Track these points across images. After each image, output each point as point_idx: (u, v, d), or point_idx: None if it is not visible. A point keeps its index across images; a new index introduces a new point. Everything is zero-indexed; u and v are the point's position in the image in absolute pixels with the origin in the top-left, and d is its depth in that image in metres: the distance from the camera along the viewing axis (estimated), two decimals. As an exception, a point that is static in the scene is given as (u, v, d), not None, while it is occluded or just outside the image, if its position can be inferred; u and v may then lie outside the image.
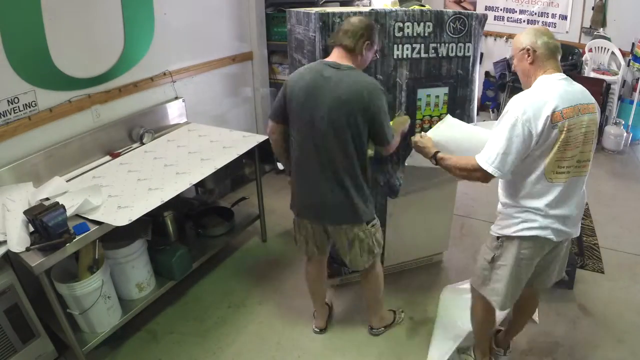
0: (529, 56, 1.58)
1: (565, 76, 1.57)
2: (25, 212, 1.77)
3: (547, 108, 1.47)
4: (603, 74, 4.63)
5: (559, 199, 1.59)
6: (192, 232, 2.74)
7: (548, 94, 1.51)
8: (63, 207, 1.74)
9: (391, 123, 1.91)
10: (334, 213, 1.87)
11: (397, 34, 2.13)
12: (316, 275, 2.19)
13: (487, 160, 1.53)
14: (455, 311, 2.29)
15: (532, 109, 1.48)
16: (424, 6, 2.44)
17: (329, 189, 1.81)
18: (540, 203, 1.59)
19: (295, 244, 2.15)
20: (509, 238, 1.66)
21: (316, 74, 1.74)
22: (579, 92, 1.56)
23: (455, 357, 2.10)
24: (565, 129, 1.49)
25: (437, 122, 2.36)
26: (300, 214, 2.03)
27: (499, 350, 2.11)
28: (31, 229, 1.78)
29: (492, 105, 5.45)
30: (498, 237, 1.70)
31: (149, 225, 2.25)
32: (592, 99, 1.58)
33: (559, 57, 1.61)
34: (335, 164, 1.77)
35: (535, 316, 2.29)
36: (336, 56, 1.77)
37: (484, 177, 1.57)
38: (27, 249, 1.66)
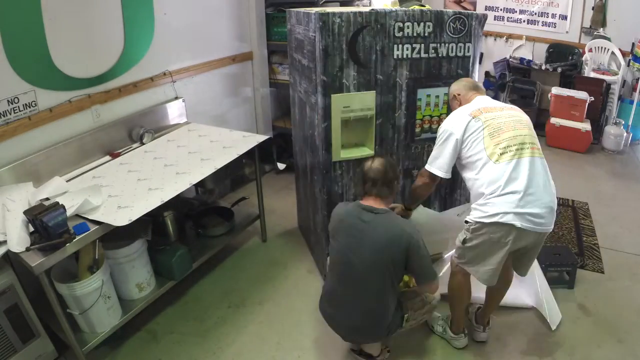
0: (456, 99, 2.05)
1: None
2: (25, 212, 1.77)
3: (466, 113, 1.89)
4: (603, 74, 4.63)
5: (512, 177, 1.74)
6: (192, 232, 2.74)
7: (465, 107, 1.95)
8: (63, 207, 1.74)
9: None
10: (363, 335, 1.99)
11: (397, 34, 2.13)
12: None
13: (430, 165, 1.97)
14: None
15: (453, 120, 1.91)
16: (424, 6, 2.45)
17: (359, 316, 1.89)
18: (495, 186, 1.76)
19: None
20: (477, 223, 1.84)
21: (356, 218, 1.86)
22: (493, 101, 1.97)
23: None
24: (485, 118, 1.84)
25: (437, 122, 2.38)
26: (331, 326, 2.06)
27: (477, 327, 2.19)
28: (31, 229, 1.78)
29: (492, 105, 5.44)
30: (466, 221, 1.90)
31: (149, 225, 2.25)
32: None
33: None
34: (369, 297, 1.87)
35: (554, 321, 2.29)
36: (372, 201, 1.88)
37: (430, 178, 1.99)
38: (27, 249, 1.66)
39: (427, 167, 1.98)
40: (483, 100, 1.96)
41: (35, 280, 1.72)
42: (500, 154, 1.77)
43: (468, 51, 2.28)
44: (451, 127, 1.89)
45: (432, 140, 2.38)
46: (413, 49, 2.18)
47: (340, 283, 1.94)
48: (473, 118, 1.85)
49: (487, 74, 5.52)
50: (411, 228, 1.83)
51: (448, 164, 1.91)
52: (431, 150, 2.39)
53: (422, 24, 2.15)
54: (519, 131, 1.82)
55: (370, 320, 1.88)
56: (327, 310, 2.02)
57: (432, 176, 1.97)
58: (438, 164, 1.93)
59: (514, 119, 1.85)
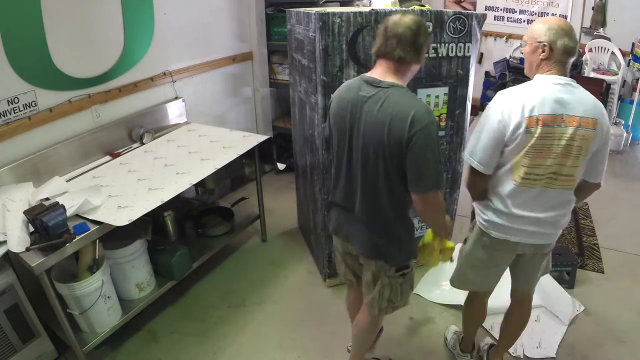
0: (543, 52, 1.48)
1: (565, 81, 1.47)
2: (25, 212, 1.77)
3: (525, 110, 1.44)
4: (603, 74, 4.63)
5: (526, 202, 1.56)
6: (192, 232, 2.74)
7: (532, 95, 1.46)
8: (63, 207, 1.74)
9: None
10: (362, 243, 1.64)
11: (397, 34, 2.13)
12: (356, 304, 1.93)
13: (470, 155, 1.58)
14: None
15: (510, 106, 1.46)
16: (424, 6, 2.44)
17: (364, 215, 1.60)
18: (504, 203, 1.59)
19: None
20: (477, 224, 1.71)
21: (354, 94, 1.50)
22: (574, 102, 1.45)
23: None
24: (537, 135, 1.44)
25: (437, 122, 2.36)
26: (335, 230, 1.77)
27: None
28: (31, 229, 1.78)
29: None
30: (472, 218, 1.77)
31: (149, 225, 2.25)
32: (597, 114, 1.46)
33: (572, 60, 1.51)
34: (371, 196, 1.56)
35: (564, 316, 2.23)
36: (381, 70, 1.48)
37: (476, 176, 1.59)
38: (27, 249, 1.66)
39: (468, 159, 1.59)
40: (552, 91, 1.45)
41: (35, 280, 1.72)
42: (524, 179, 1.52)
43: (468, 51, 2.28)
44: (506, 113, 1.46)
45: (432, 140, 2.39)
46: (413, 49, 2.18)
47: (344, 183, 1.63)
48: (526, 127, 1.44)
49: (487, 74, 5.52)
50: (423, 110, 1.40)
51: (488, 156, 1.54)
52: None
53: (422, 24, 2.15)
54: (566, 160, 1.49)
55: (371, 229, 1.59)
56: (336, 221, 1.72)
57: (476, 172, 1.59)
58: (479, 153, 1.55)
59: (569, 143, 1.46)
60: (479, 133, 1.54)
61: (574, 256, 2.66)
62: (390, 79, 1.46)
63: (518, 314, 1.91)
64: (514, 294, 1.89)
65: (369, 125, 1.46)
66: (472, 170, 1.59)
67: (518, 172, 1.52)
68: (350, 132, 1.53)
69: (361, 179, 1.55)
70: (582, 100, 1.46)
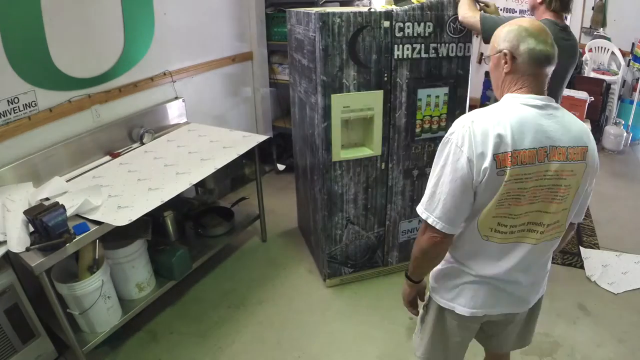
0: (505, 63, 1.16)
1: (543, 101, 1.13)
2: (25, 212, 1.77)
3: (494, 144, 1.08)
4: (603, 74, 4.63)
5: (495, 260, 1.23)
6: (192, 232, 2.74)
7: (503, 123, 1.10)
8: (63, 207, 1.74)
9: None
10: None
11: (397, 34, 2.13)
12: None
13: (426, 209, 1.19)
14: None
15: (477, 138, 1.10)
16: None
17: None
18: (471, 263, 1.26)
19: None
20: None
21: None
22: (558, 129, 1.13)
23: None
24: (512, 178, 1.09)
25: (437, 122, 2.37)
26: None
27: None
28: (31, 229, 1.78)
29: (492, 105, 5.45)
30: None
31: (149, 225, 2.25)
32: (585, 140, 1.15)
33: (548, 70, 1.15)
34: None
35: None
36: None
37: (436, 237, 1.19)
38: (27, 249, 1.66)
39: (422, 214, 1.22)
40: (528, 115, 1.12)
41: (35, 280, 1.72)
42: (494, 231, 1.19)
43: (468, 51, 2.28)
44: (472, 148, 1.11)
45: (432, 140, 2.40)
46: (413, 49, 2.18)
47: None
48: (497, 167, 1.09)
49: (487, 73, 5.52)
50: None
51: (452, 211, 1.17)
52: (431, 151, 2.40)
53: (422, 24, 2.15)
54: (550, 205, 1.17)
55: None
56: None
57: (434, 233, 1.20)
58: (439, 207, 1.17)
59: (557, 183, 1.15)
60: (438, 178, 1.16)
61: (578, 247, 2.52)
62: None
63: None
64: (496, 352, 1.61)
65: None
66: (430, 229, 1.18)
67: (488, 224, 1.18)
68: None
69: None
70: (567, 125, 1.15)
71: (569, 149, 1.13)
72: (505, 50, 1.15)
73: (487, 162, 1.09)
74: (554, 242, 1.26)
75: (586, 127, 1.20)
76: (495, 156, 1.08)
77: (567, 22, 2.09)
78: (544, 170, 1.12)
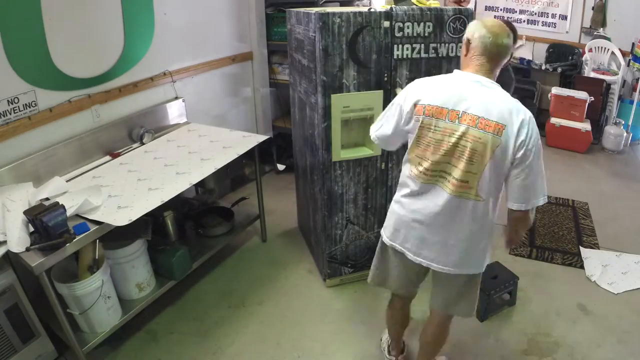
0: (466, 49, 1.46)
1: (476, 79, 1.39)
2: (25, 212, 1.77)
3: (419, 97, 1.44)
4: (603, 74, 4.63)
5: (415, 196, 1.52)
6: (192, 232, 2.74)
7: (432, 86, 1.45)
8: (63, 207, 1.74)
9: None
10: None
11: (397, 34, 2.13)
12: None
13: (372, 128, 1.67)
14: None
15: (412, 91, 1.47)
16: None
17: None
18: (400, 192, 1.59)
19: None
20: None
21: None
22: (477, 100, 1.35)
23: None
24: (424, 126, 1.42)
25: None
26: None
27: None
28: (31, 229, 1.78)
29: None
30: None
31: (149, 225, 2.25)
32: (507, 120, 1.32)
33: (499, 61, 1.41)
34: None
35: None
36: None
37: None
38: (27, 249, 1.66)
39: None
40: (458, 84, 1.42)
41: (35, 280, 1.72)
42: (417, 169, 1.49)
43: (468, 51, 2.28)
44: (405, 96, 1.50)
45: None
46: (413, 49, 2.18)
47: None
48: (415, 113, 1.45)
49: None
50: None
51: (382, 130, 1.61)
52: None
53: (422, 24, 2.15)
54: (458, 162, 1.40)
55: None
56: None
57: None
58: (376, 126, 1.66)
59: (461, 143, 1.38)
60: (385, 112, 1.60)
61: (512, 274, 2.44)
62: None
63: (430, 332, 1.82)
64: (430, 308, 1.79)
65: None
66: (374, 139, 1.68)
67: (413, 161, 1.50)
68: None
69: None
70: (491, 101, 1.36)
71: (480, 118, 1.34)
72: (465, 38, 1.44)
73: (408, 108, 1.46)
74: (469, 203, 1.43)
75: (521, 113, 1.34)
76: (414, 105, 1.44)
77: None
78: (454, 129, 1.37)
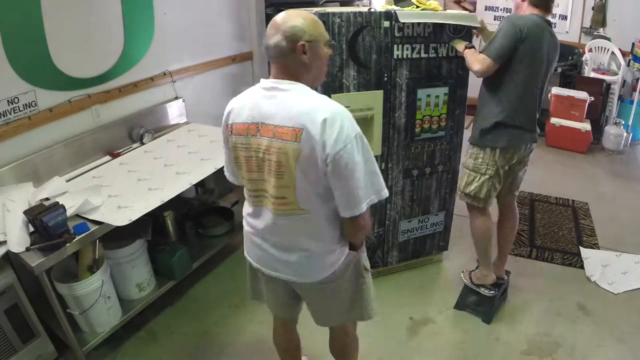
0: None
1: (271, 84, 1.26)
2: (25, 212, 1.77)
3: (227, 117, 1.35)
4: (603, 74, 4.63)
5: (252, 217, 1.45)
6: (192, 232, 2.74)
7: (237, 101, 1.34)
8: (63, 207, 1.74)
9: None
10: None
11: (397, 34, 2.13)
12: None
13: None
14: None
15: (224, 115, 1.36)
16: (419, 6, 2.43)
17: None
18: (244, 210, 1.50)
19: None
20: None
21: None
22: (274, 109, 1.23)
23: None
24: (234, 146, 1.33)
25: (437, 122, 2.37)
26: None
27: None
28: (31, 229, 1.78)
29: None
30: None
31: (149, 225, 2.25)
32: (302, 123, 1.18)
33: (284, 59, 1.25)
34: None
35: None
36: None
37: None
38: (27, 249, 1.66)
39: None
40: (254, 95, 1.31)
41: (35, 280, 1.72)
42: (245, 188, 1.42)
43: (468, 51, 2.28)
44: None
45: (432, 140, 2.40)
46: (413, 49, 2.18)
47: None
48: (230, 134, 1.36)
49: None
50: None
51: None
52: (431, 150, 2.41)
53: (422, 24, 2.15)
54: (268, 177, 1.30)
55: None
56: None
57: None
58: None
59: (266, 157, 1.27)
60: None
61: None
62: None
63: (336, 346, 1.78)
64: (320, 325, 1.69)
65: None
66: None
67: (243, 184, 1.41)
68: None
69: None
70: (285, 107, 1.22)
71: (277, 127, 1.22)
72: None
73: (224, 130, 1.37)
74: (297, 218, 1.31)
75: (320, 110, 1.18)
76: (226, 126, 1.35)
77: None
78: (257, 143, 1.27)
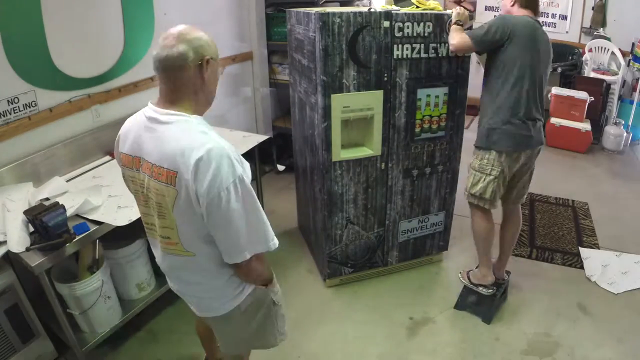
0: None
1: (151, 113, 1.14)
2: (25, 212, 1.77)
3: (119, 143, 1.25)
4: (603, 74, 4.63)
5: (154, 248, 1.35)
6: (192, 232, 2.73)
7: (126, 127, 1.23)
8: (63, 207, 1.74)
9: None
10: None
11: (397, 34, 2.13)
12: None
13: None
14: None
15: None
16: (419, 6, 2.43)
17: None
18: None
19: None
20: None
21: None
22: (152, 144, 1.12)
23: None
24: (123, 176, 1.27)
25: (437, 122, 2.37)
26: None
27: None
28: (31, 229, 1.78)
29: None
30: None
31: (149, 225, 2.25)
32: (176, 164, 1.06)
33: (172, 75, 1.12)
34: None
35: None
36: None
37: None
38: (27, 249, 1.66)
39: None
40: (138, 124, 1.20)
41: (35, 280, 1.72)
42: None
43: (468, 51, 2.28)
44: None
45: (432, 140, 2.40)
46: (413, 49, 2.18)
47: None
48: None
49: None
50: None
51: None
52: (431, 150, 2.41)
53: (422, 24, 2.15)
54: (159, 215, 1.19)
55: None
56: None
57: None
58: None
59: (150, 195, 1.17)
60: None
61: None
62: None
63: None
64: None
65: None
66: None
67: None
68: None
69: None
70: (162, 144, 1.10)
71: (154, 166, 1.11)
72: None
73: (116, 156, 1.27)
74: (185, 259, 1.22)
75: (195, 150, 1.05)
76: (117, 153, 1.25)
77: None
78: (141, 179, 1.18)
